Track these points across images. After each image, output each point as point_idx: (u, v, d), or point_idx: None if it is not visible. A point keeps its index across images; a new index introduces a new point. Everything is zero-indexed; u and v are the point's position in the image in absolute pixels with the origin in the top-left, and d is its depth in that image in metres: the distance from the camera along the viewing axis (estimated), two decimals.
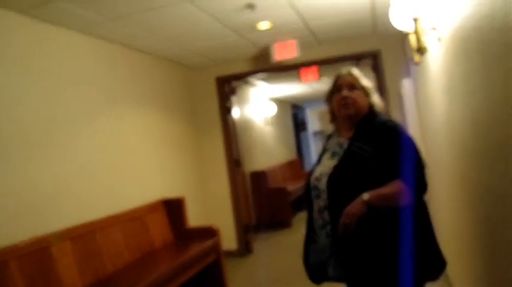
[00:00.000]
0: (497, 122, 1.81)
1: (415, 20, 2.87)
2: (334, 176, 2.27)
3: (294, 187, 9.70)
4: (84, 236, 3.96)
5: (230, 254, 6.70)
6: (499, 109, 1.75)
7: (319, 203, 2.35)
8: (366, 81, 2.48)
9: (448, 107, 3.05)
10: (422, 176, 2.19)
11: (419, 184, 2.18)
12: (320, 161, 2.50)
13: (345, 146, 2.36)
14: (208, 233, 5.18)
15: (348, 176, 2.23)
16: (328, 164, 2.38)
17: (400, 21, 3.10)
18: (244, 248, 6.98)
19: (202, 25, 4.74)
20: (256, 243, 7.51)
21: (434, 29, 2.99)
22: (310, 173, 2.49)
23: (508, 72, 1.55)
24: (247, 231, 7.05)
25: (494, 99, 1.79)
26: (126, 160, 4.93)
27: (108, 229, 4.28)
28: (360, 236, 2.14)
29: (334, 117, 2.56)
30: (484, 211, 2.32)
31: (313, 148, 16.69)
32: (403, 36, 4.62)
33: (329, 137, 2.64)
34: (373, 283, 2.18)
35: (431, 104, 3.81)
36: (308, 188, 2.45)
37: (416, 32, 2.90)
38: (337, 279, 2.36)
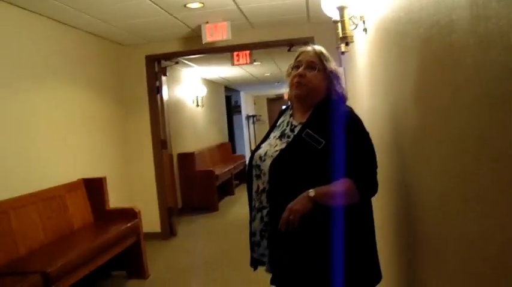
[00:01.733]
0: (410, 117, 1.82)
1: (342, 8, 2.84)
2: (278, 161, 2.10)
3: (223, 170, 9.67)
4: None
5: (153, 236, 6.60)
6: (411, 102, 1.75)
7: (259, 184, 2.21)
8: (333, 64, 2.24)
9: (371, 100, 3.05)
10: (373, 176, 2.07)
11: (369, 185, 2.07)
12: (267, 138, 2.33)
13: (296, 131, 2.18)
14: (129, 214, 5.06)
15: (293, 164, 2.08)
16: (275, 144, 2.21)
17: (329, 8, 3.08)
18: (168, 231, 6.89)
19: (131, 2, 4.57)
20: (180, 226, 7.43)
21: (362, 18, 2.99)
22: (256, 148, 2.31)
23: (420, 65, 1.55)
24: (171, 214, 6.95)
25: (409, 93, 1.78)
26: (46, 137, 4.70)
27: (22, 208, 4.07)
28: (300, 234, 2.00)
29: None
30: (399, 210, 2.33)
31: (246, 132, 16.69)
32: (336, 24, 4.63)
33: (282, 112, 2.45)
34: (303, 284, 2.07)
35: (359, 95, 3.82)
36: (250, 165, 2.29)
37: (342, 21, 2.87)
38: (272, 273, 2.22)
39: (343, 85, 2.29)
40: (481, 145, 1.03)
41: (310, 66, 2.20)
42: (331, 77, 2.21)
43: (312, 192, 1.97)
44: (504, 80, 0.84)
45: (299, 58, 2.25)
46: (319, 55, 2.22)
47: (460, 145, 1.18)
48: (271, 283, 2.20)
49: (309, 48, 2.27)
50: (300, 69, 2.20)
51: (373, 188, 2.08)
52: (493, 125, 0.93)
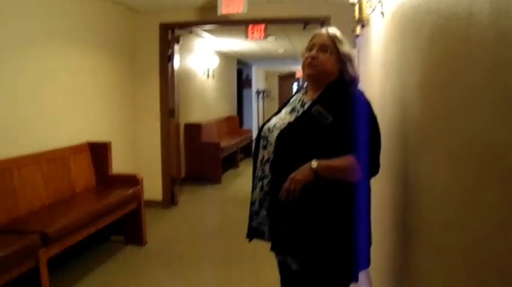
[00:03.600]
0: (419, 107, 1.79)
1: None
2: (285, 132, 2.16)
3: (228, 143, 9.67)
4: None
5: (154, 204, 6.65)
6: (423, 92, 1.72)
7: (264, 154, 2.27)
8: (347, 47, 2.28)
9: (382, 85, 3.02)
10: (376, 156, 2.11)
11: (372, 165, 2.11)
12: (278, 113, 2.40)
13: (306, 106, 2.25)
14: (132, 181, 5.07)
15: (298, 137, 2.13)
16: (285, 118, 2.28)
17: None
18: (169, 200, 6.92)
19: None
20: (182, 196, 7.47)
21: (380, 2, 2.94)
22: (266, 121, 2.38)
23: (435, 56, 1.51)
24: (174, 183, 6.97)
25: (421, 82, 1.76)
26: (55, 98, 4.68)
27: (26, 167, 4.08)
28: (300, 204, 2.06)
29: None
30: (402, 199, 2.32)
31: (255, 106, 16.62)
32: (353, 6, 4.57)
33: (297, 91, 2.52)
34: (300, 256, 2.11)
35: (371, 79, 3.79)
36: (258, 136, 2.35)
37: (359, 3, 2.82)
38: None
39: (356, 68, 2.32)
40: (491, 146, 1.00)
41: (323, 48, 2.25)
42: (344, 60, 2.25)
43: (314, 163, 2.02)
44: None
45: (313, 41, 2.30)
46: (332, 38, 2.26)
47: (469, 141, 1.16)
48: (271, 250, 2.25)
49: (323, 31, 2.31)
50: (313, 51, 2.25)
51: (375, 168, 2.13)
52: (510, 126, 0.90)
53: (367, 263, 2.25)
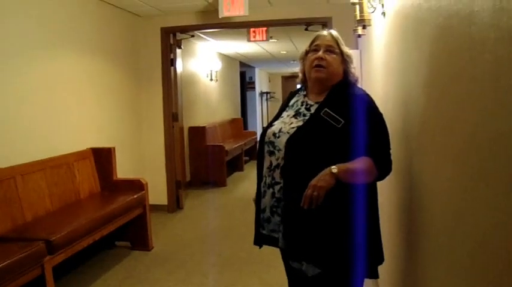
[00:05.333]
0: (422, 105, 1.78)
1: None
2: (296, 137, 2.12)
3: (233, 146, 9.66)
4: (3, 181, 3.75)
5: (159, 208, 6.65)
6: (425, 91, 1.71)
7: (272, 160, 2.22)
8: (347, 47, 2.29)
9: (385, 85, 3.01)
10: (389, 155, 2.11)
11: (387, 164, 2.11)
12: (279, 117, 2.36)
13: (313, 109, 2.22)
14: (136, 186, 5.07)
15: (310, 141, 2.09)
16: (290, 122, 2.23)
17: None
18: (175, 204, 6.91)
19: None
20: (187, 200, 7.46)
21: (380, 2, 2.92)
22: (268, 126, 2.34)
23: (437, 55, 1.50)
24: (178, 187, 6.96)
25: (423, 81, 1.74)
26: (59, 105, 4.68)
27: (30, 175, 4.08)
28: (322, 210, 2.02)
29: (305, 79, 2.39)
30: (407, 197, 2.31)
31: (259, 109, 16.62)
32: (354, 6, 4.55)
33: (293, 94, 2.49)
34: (322, 261, 2.08)
35: (373, 79, 3.78)
36: (262, 142, 2.31)
37: (360, 3, 2.81)
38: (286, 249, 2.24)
39: (354, 67, 2.31)
40: (495, 144, 0.99)
41: (329, 50, 2.22)
42: (347, 60, 2.25)
43: (334, 168, 1.97)
44: None
45: (316, 42, 2.27)
46: (336, 39, 2.25)
47: (472, 140, 1.14)
48: (284, 258, 2.26)
49: (325, 32, 2.29)
50: (320, 53, 2.22)
51: (389, 166, 2.12)
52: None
53: (383, 258, 2.26)
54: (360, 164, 2.02)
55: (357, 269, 2.07)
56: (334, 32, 2.29)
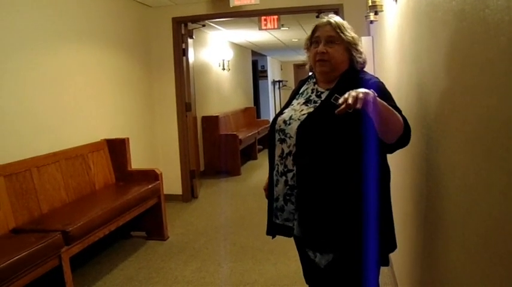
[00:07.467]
0: (437, 90, 1.76)
1: None
2: (307, 124, 2.11)
3: (246, 134, 9.66)
4: (19, 174, 3.80)
5: (174, 198, 6.70)
6: (440, 76, 1.69)
7: (283, 147, 2.21)
8: (350, 32, 2.20)
9: (398, 71, 2.99)
10: (408, 123, 1.95)
11: (408, 126, 1.93)
12: (289, 105, 2.34)
13: (323, 96, 2.20)
14: (151, 176, 5.10)
15: (321, 127, 2.08)
16: (301, 109, 2.22)
17: None
18: (189, 194, 6.95)
19: None
20: (202, 189, 7.49)
21: None
22: (278, 115, 2.32)
23: (451, 39, 1.48)
24: (193, 176, 6.99)
25: (438, 66, 1.72)
26: (72, 97, 4.71)
27: (45, 167, 4.12)
28: (330, 195, 2.05)
29: (312, 67, 2.35)
30: (420, 184, 2.29)
31: (271, 97, 16.59)
32: None
33: (303, 82, 2.46)
34: (336, 247, 2.09)
35: (386, 66, 3.75)
36: (272, 130, 2.29)
37: None
38: (299, 238, 2.23)
39: (362, 50, 2.24)
40: (509, 128, 0.97)
41: (329, 41, 2.18)
42: (351, 46, 2.19)
43: (373, 92, 1.74)
44: None
45: (316, 34, 2.23)
46: (335, 28, 2.18)
47: (487, 124, 1.13)
48: (298, 247, 2.26)
49: (325, 21, 2.22)
50: (320, 46, 2.18)
51: (410, 131, 1.96)
52: None
53: (395, 245, 2.25)
54: (394, 111, 1.88)
55: (370, 256, 2.06)
56: (333, 20, 2.21)
